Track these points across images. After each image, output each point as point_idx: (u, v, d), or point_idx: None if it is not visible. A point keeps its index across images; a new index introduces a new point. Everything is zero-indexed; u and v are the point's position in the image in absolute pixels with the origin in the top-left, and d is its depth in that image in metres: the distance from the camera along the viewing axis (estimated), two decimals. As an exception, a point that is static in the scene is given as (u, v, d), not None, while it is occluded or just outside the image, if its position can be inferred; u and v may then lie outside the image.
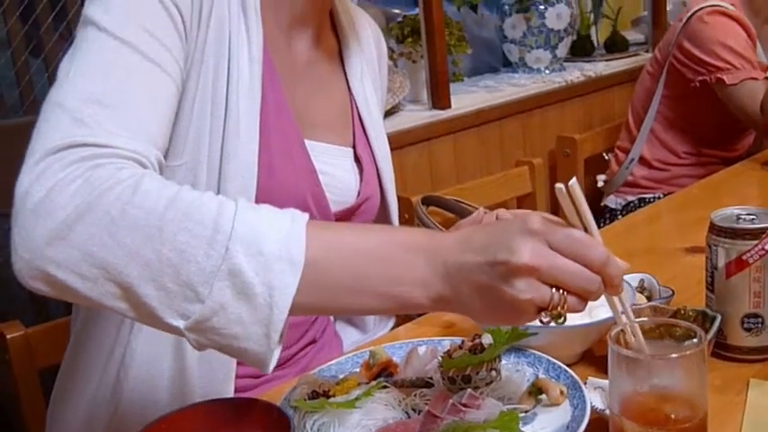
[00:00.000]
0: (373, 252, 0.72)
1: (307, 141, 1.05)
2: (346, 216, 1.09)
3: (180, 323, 0.69)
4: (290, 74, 1.05)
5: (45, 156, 0.73)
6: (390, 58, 2.40)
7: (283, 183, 1.00)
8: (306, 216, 0.72)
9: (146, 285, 0.69)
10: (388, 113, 2.27)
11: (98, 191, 0.70)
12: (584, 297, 0.69)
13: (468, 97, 2.52)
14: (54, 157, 0.73)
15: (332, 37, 1.16)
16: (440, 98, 2.36)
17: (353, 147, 1.13)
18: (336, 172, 1.09)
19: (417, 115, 2.33)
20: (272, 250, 0.69)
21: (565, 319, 0.69)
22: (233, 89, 0.95)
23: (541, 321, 0.69)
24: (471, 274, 0.69)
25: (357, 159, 1.13)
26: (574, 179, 0.69)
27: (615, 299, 0.73)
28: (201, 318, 0.69)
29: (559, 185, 0.69)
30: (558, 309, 0.68)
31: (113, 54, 0.82)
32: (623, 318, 0.74)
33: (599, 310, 0.93)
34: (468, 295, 0.70)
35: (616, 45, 3.10)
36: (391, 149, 1.21)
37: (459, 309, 0.73)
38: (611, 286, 0.69)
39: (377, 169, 1.16)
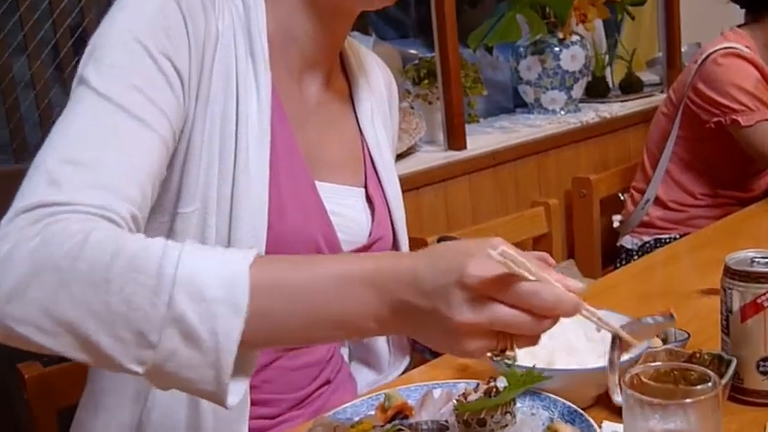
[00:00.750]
0: (321, 288, 0.73)
1: (317, 182, 1.06)
2: (358, 256, 1.10)
3: (139, 369, 0.71)
4: (300, 116, 1.06)
5: (16, 215, 0.76)
6: (406, 99, 2.43)
7: (294, 224, 1.01)
8: (252, 254, 0.73)
9: (102, 336, 0.70)
10: (405, 154, 2.28)
11: (50, 247, 0.72)
12: (533, 336, 0.70)
13: (483, 138, 2.54)
14: (21, 216, 0.76)
15: (342, 79, 1.17)
16: (455, 139, 2.37)
17: (365, 187, 1.14)
18: (347, 212, 1.09)
19: (433, 156, 2.35)
20: (215, 295, 0.70)
21: (515, 359, 0.71)
22: (242, 133, 0.96)
23: (493, 360, 0.70)
24: (420, 315, 0.70)
25: (369, 200, 1.14)
26: (500, 248, 0.66)
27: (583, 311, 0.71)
28: (156, 364, 0.71)
29: (492, 252, 0.66)
30: (507, 352, 0.69)
31: (97, 113, 0.84)
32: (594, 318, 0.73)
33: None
34: (422, 329, 0.72)
35: (631, 86, 3.11)
36: (407, 190, 1.21)
37: (414, 336, 0.75)
38: (569, 316, 0.69)
39: (389, 210, 1.16)
